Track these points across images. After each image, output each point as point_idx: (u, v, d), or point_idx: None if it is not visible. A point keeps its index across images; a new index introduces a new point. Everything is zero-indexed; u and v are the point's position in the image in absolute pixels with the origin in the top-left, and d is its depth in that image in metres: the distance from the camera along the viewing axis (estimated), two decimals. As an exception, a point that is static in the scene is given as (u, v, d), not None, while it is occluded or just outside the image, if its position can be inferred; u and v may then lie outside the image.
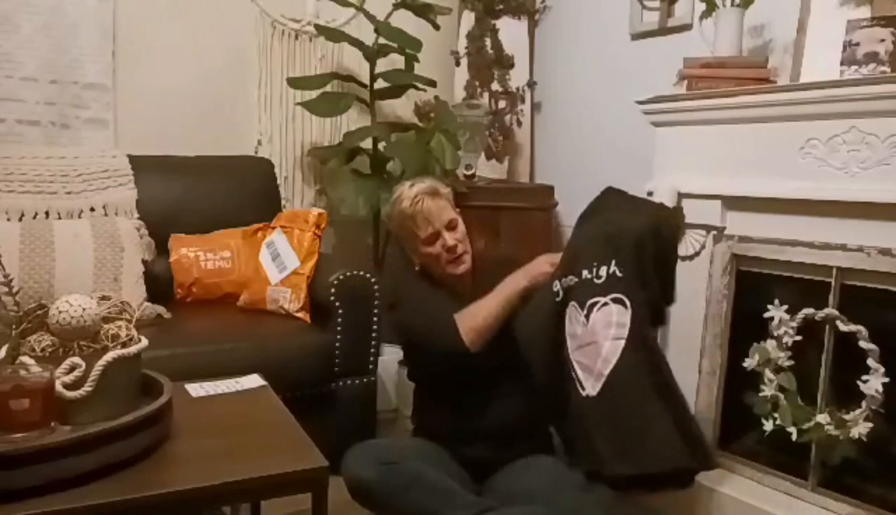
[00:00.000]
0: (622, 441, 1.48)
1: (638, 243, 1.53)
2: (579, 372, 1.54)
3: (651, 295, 1.54)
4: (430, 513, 1.54)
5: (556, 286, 1.60)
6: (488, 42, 3.13)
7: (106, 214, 2.40)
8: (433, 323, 1.69)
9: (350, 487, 1.63)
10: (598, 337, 1.51)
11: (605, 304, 1.52)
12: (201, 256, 2.47)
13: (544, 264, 1.68)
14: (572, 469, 1.60)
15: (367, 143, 2.81)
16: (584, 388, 1.53)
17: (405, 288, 1.87)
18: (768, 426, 1.87)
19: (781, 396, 1.85)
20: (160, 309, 2.22)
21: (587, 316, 1.54)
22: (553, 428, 1.73)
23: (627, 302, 1.51)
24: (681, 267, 2.21)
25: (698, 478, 1.98)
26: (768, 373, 1.88)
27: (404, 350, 1.93)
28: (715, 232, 2.09)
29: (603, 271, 1.53)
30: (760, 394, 1.88)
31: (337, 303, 2.23)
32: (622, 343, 1.49)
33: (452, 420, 1.72)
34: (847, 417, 1.73)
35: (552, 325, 1.59)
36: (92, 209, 2.40)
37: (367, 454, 1.64)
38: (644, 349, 1.52)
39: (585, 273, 1.56)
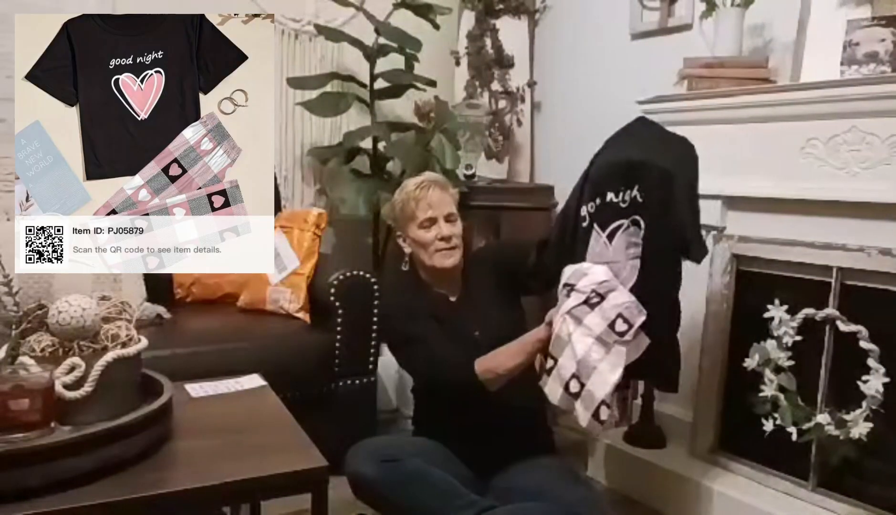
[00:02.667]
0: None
1: (663, 174, 1.54)
2: None
3: (676, 223, 1.54)
4: (432, 511, 1.54)
5: (584, 211, 1.62)
6: (488, 42, 3.13)
7: (106, 214, 2.40)
8: (443, 364, 1.71)
9: (352, 484, 1.63)
10: (620, 257, 1.54)
11: (627, 227, 1.54)
12: (201, 256, 2.47)
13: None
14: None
15: (367, 143, 2.81)
16: None
17: (391, 316, 1.91)
18: (768, 426, 1.87)
19: (781, 396, 1.85)
20: (160, 309, 2.22)
21: (609, 238, 1.55)
22: None
23: (643, 223, 1.52)
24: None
25: (697, 477, 1.99)
26: (768, 373, 1.88)
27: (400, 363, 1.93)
28: (715, 232, 2.09)
29: (628, 195, 1.55)
30: (760, 394, 1.88)
31: (337, 303, 2.23)
32: (638, 262, 1.52)
33: (453, 418, 1.72)
34: (847, 417, 1.73)
35: (580, 250, 1.61)
36: (92, 209, 2.39)
37: (370, 451, 1.64)
38: (657, 268, 1.54)
39: (611, 196, 1.57)
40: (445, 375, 1.71)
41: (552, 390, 1.51)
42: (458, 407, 1.70)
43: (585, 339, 1.45)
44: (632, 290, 1.50)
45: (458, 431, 1.72)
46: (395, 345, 1.86)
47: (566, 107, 3.11)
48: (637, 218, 1.53)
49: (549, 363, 1.52)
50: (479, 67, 3.12)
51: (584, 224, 1.61)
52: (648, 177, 1.54)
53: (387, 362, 2.66)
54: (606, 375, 1.43)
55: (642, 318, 1.44)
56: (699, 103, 2.10)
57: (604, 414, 1.43)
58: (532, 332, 1.60)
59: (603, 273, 1.50)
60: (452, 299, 1.83)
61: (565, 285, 1.54)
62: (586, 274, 1.51)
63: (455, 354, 1.68)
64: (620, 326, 1.43)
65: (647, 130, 1.69)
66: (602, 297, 1.46)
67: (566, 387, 1.48)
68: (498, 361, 1.62)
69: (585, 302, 1.47)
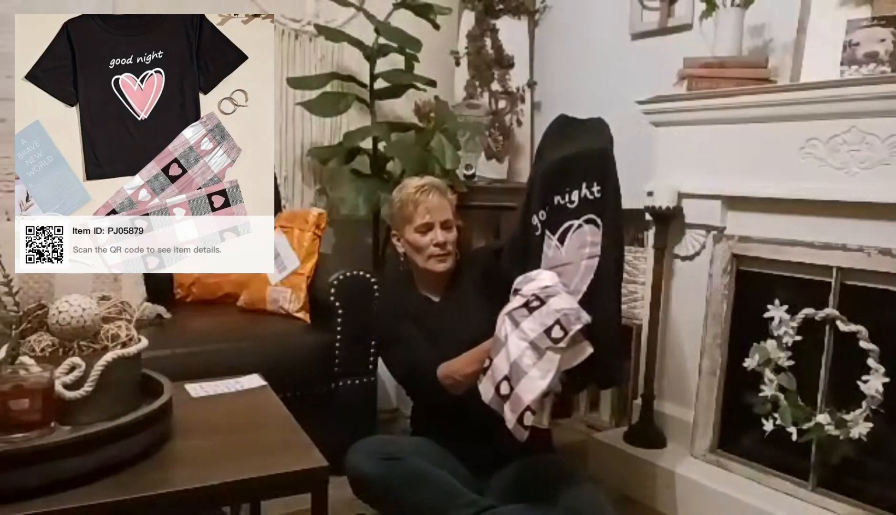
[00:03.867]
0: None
1: (607, 158, 1.52)
2: None
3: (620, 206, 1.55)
4: (431, 510, 1.54)
5: (535, 221, 1.59)
6: (488, 42, 3.13)
7: (106, 214, 2.40)
8: (415, 368, 1.73)
9: (352, 482, 1.63)
10: (573, 257, 1.50)
11: (580, 227, 1.50)
12: (201, 256, 2.47)
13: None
14: None
15: (367, 143, 2.81)
16: None
17: (380, 315, 1.91)
18: (768, 426, 1.87)
19: (781, 396, 1.85)
20: (160, 309, 2.22)
21: (561, 240, 1.53)
22: None
23: (599, 222, 1.49)
24: (681, 267, 2.22)
25: (697, 477, 1.99)
26: (768, 373, 1.88)
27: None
28: (715, 232, 2.09)
29: (575, 195, 1.52)
30: (760, 394, 1.89)
31: (337, 303, 2.23)
32: (597, 260, 1.49)
33: (451, 418, 1.72)
34: (847, 417, 1.73)
35: (535, 259, 1.58)
36: (92, 209, 2.39)
37: (370, 449, 1.65)
38: (613, 261, 1.51)
39: (557, 199, 1.54)
40: (414, 378, 1.75)
41: (485, 389, 1.50)
42: (456, 407, 1.70)
43: (520, 343, 1.43)
44: (591, 285, 1.47)
45: (456, 431, 1.72)
46: (379, 345, 1.87)
47: (566, 107, 3.08)
48: (591, 216, 1.50)
49: (486, 362, 1.52)
50: (479, 67, 3.12)
51: (537, 232, 1.59)
52: (595, 171, 1.51)
53: (387, 362, 2.66)
54: (535, 381, 1.40)
55: (579, 326, 1.40)
56: (699, 103, 2.10)
57: (528, 419, 1.41)
58: (487, 341, 1.58)
59: (549, 278, 1.47)
60: (436, 300, 1.83)
61: (514, 290, 1.52)
62: (533, 280, 1.49)
63: (425, 358, 1.69)
64: (556, 332, 1.40)
65: (569, 125, 1.68)
66: (542, 302, 1.43)
67: (497, 389, 1.46)
68: (455, 368, 1.63)
69: (525, 305, 1.45)
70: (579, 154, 1.55)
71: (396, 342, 1.77)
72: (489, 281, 1.80)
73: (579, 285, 1.49)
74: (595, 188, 1.50)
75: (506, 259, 1.71)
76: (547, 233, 1.57)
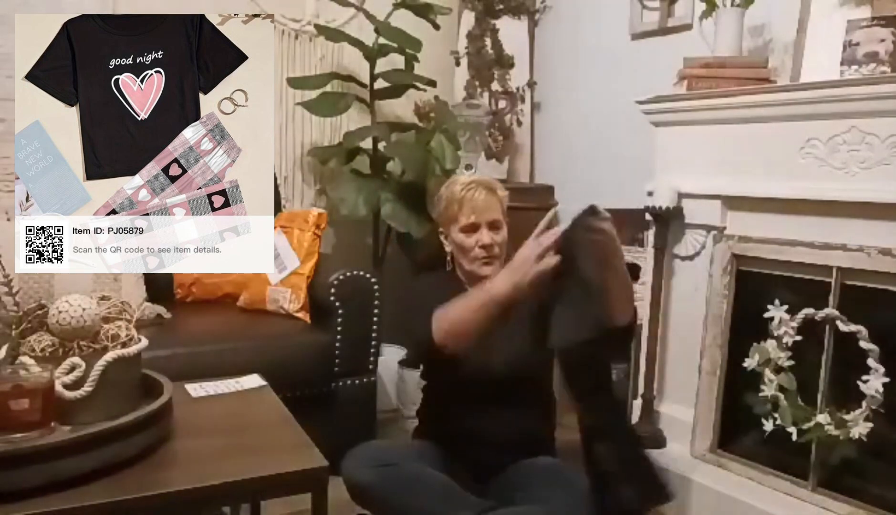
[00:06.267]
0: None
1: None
2: None
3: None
4: (431, 513, 1.54)
5: None
6: (488, 42, 3.13)
7: (106, 214, 2.40)
8: (415, 316, 1.61)
9: (350, 489, 1.62)
10: None
11: None
12: (201, 256, 2.47)
13: (529, 258, 1.41)
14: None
15: (367, 143, 2.81)
16: None
17: (416, 288, 1.80)
18: (768, 426, 1.87)
19: (781, 396, 1.85)
20: (160, 309, 2.22)
21: None
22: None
23: None
24: (681, 267, 2.22)
25: (697, 477, 1.99)
26: (768, 373, 1.88)
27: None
28: (715, 232, 2.09)
29: None
30: (760, 394, 1.89)
31: (337, 303, 2.23)
32: None
33: (460, 422, 1.71)
34: (847, 417, 1.73)
35: None
36: (92, 209, 2.39)
37: (367, 456, 1.64)
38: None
39: None
40: (410, 334, 1.66)
41: None
42: (457, 407, 1.70)
43: None
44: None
45: (458, 432, 1.71)
46: (405, 310, 1.77)
47: (566, 107, 3.11)
48: None
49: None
50: (479, 67, 3.11)
51: None
52: None
53: (387, 362, 2.66)
54: None
55: None
56: (699, 103, 2.10)
57: None
58: (492, 286, 1.44)
59: None
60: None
61: None
62: None
63: (428, 313, 1.56)
64: None
65: None
66: None
67: None
68: (449, 318, 1.49)
69: None
70: None
71: (420, 300, 1.66)
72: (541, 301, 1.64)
73: None
74: None
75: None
76: None
